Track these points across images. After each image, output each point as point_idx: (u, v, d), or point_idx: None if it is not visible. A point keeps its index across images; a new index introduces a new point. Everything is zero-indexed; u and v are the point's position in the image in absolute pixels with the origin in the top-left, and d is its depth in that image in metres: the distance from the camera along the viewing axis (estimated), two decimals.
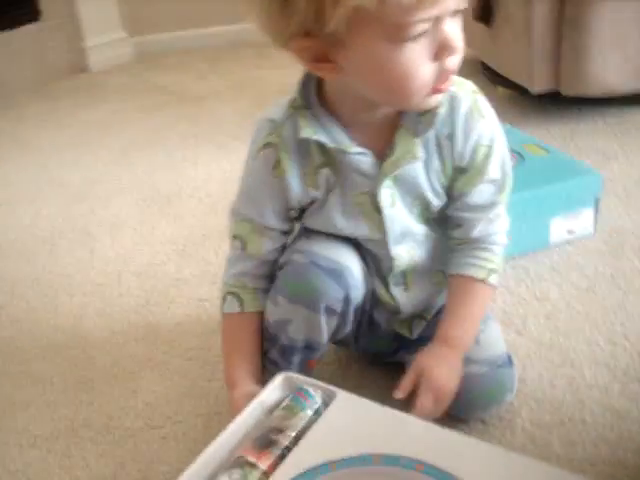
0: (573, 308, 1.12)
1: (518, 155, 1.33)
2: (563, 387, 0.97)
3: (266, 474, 0.76)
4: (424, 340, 0.91)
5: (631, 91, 1.71)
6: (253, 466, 0.76)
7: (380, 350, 1.01)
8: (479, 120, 0.84)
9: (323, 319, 0.87)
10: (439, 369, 0.85)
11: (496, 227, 0.91)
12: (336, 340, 0.98)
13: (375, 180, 0.84)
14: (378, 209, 0.86)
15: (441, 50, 0.72)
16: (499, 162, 0.87)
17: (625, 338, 1.05)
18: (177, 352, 1.13)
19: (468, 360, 0.88)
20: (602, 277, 1.19)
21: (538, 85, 1.73)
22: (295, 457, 0.77)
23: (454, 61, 0.74)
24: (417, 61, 0.72)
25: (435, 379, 0.84)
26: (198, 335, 1.16)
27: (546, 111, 1.84)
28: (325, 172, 0.85)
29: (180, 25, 2.86)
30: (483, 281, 0.89)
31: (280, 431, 0.80)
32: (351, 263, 0.87)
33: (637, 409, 0.93)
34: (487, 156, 0.86)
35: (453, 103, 0.83)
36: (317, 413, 0.83)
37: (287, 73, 2.46)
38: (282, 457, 0.77)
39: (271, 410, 0.85)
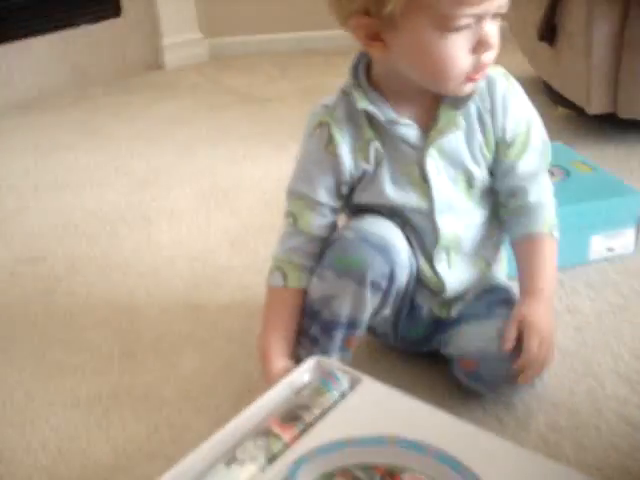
0: (603, 323, 1.14)
1: (565, 171, 1.36)
2: (582, 395, 1.00)
3: (287, 445, 0.81)
4: (460, 322, 0.98)
5: None
6: (277, 437, 0.82)
7: (417, 336, 1.04)
8: (515, 96, 0.94)
9: (369, 294, 0.92)
10: (538, 315, 0.92)
11: (547, 190, 0.99)
12: (374, 330, 1.04)
13: (421, 151, 0.93)
14: (425, 178, 0.94)
15: (479, 45, 0.84)
16: (539, 132, 0.98)
17: None
18: (219, 333, 1.20)
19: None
20: (636, 296, 1.20)
21: (595, 106, 1.74)
22: (315, 433, 0.83)
23: (490, 56, 0.86)
24: (457, 51, 0.83)
25: (537, 323, 0.91)
26: (240, 319, 1.22)
27: (602, 133, 1.85)
28: (375, 145, 0.93)
29: (254, 29, 2.94)
30: (550, 234, 0.97)
31: (306, 408, 0.86)
32: (398, 241, 0.93)
33: None
34: (528, 128, 0.96)
35: (490, 82, 0.93)
36: (343, 396, 0.88)
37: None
38: (304, 432, 0.83)
39: (299, 390, 0.90)
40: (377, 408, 0.86)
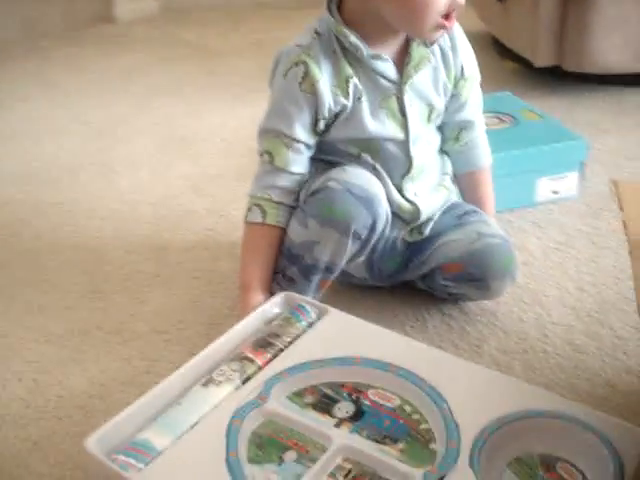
0: (549, 258, 1.22)
1: (513, 118, 1.42)
2: (530, 322, 1.08)
3: (260, 368, 0.86)
4: (436, 237, 1.06)
5: (630, 71, 1.79)
6: (251, 361, 0.87)
7: (394, 268, 1.09)
8: (464, 36, 1.05)
9: (350, 242, 0.97)
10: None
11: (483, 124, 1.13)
12: (349, 277, 1.10)
13: (399, 85, 0.99)
14: (402, 111, 1.00)
15: None
16: (478, 68, 1.09)
17: (593, 286, 1.15)
18: (184, 271, 1.24)
19: (484, 235, 1.03)
20: (580, 234, 1.28)
21: (541, 59, 1.81)
22: (285, 356, 0.88)
23: (461, 1, 0.93)
24: None
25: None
26: (204, 259, 1.27)
27: (548, 85, 1.92)
28: (353, 82, 0.98)
29: None
30: (489, 166, 1.14)
31: (277, 336, 0.91)
32: (379, 193, 0.98)
33: (594, 346, 1.03)
34: (474, 63, 1.07)
35: None
36: (310, 326, 0.94)
37: None
38: (275, 357, 0.88)
39: (270, 320, 0.96)
40: (342, 334, 0.92)
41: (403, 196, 1.04)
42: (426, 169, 1.06)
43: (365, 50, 0.96)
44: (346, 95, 0.98)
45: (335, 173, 0.98)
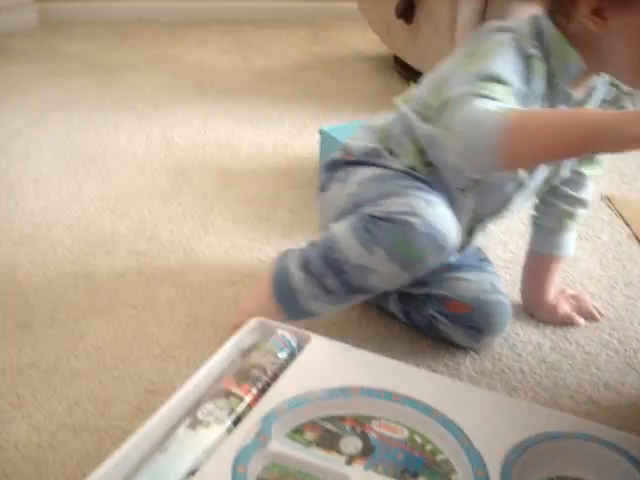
0: (502, 277, 1.20)
1: None
2: (500, 341, 1.05)
3: (249, 405, 0.78)
4: (457, 269, 1.03)
5: None
6: (238, 397, 0.78)
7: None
8: None
9: (409, 278, 0.92)
10: None
11: None
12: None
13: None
14: None
15: None
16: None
17: None
18: (121, 300, 1.11)
19: (497, 290, 1.02)
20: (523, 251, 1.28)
21: None
22: (275, 391, 0.80)
23: None
24: None
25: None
26: (142, 286, 1.15)
27: None
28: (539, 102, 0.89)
29: None
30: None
31: (260, 368, 0.82)
32: (456, 240, 0.90)
33: (567, 363, 1.02)
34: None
35: (619, 104, 0.98)
36: (292, 355, 0.86)
37: (201, 51, 2.50)
38: (263, 391, 0.80)
39: (245, 352, 0.87)
40: (331, 363, 0.85)
41: (471, 232, 1.01)
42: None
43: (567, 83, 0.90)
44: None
45: (419, 205, 0.88)
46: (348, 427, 0.77)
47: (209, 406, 0.77)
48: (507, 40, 0.86)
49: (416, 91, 1.01)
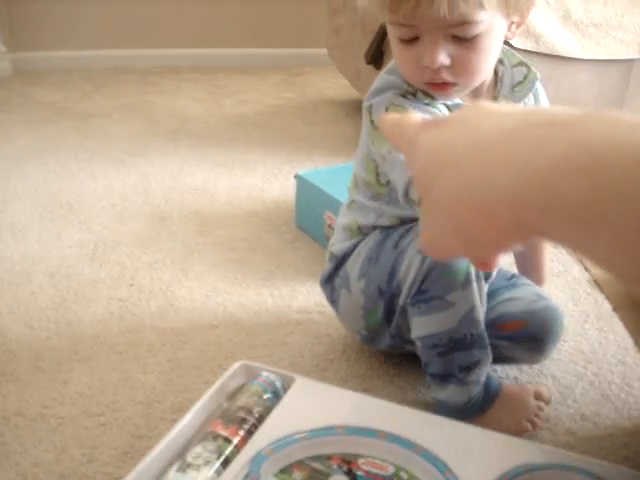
0: None
1: None
2: None
3: (237, 447, 0.79)
4: (492, 295, 1.03)
5: None
6: (226, 440, 0.79)
7: None
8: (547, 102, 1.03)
9: None
10: None
11: None
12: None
13: None
14: None
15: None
16: None
17: None
18: (104, 347, 1.12)
19: (542, 297, 1.04)
20: None
21: None
22: (262, 432, 0.81)
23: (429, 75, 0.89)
24: (404, 62, 0.89)
25: None
26: (124, 332, 1.16)
27: None
28: None
29: (61, 45, 2.81)
30: None
31: (247, 410, 0.84)
32: None
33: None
34: None
35: (531, 78, 0.98)
36: (277, 396, 0.87)
37: (174, 98, 2.54)
38: (250, 433, 0.81)
39: (231, 395, 0.88)
40: (316, 403, 0.86)
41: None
42: None
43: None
44: None
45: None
46: (335, 466, 0.78)
47: (198, 449, 0.78)
48: (395, 99, 0.90)
49: (354, 173, 1.06)
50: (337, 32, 2.39)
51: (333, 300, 1.07)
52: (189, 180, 1.79)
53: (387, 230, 1.00)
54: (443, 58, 0.85)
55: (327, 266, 1.07)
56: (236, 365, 0.91)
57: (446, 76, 0.87)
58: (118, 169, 1.84)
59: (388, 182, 0.97)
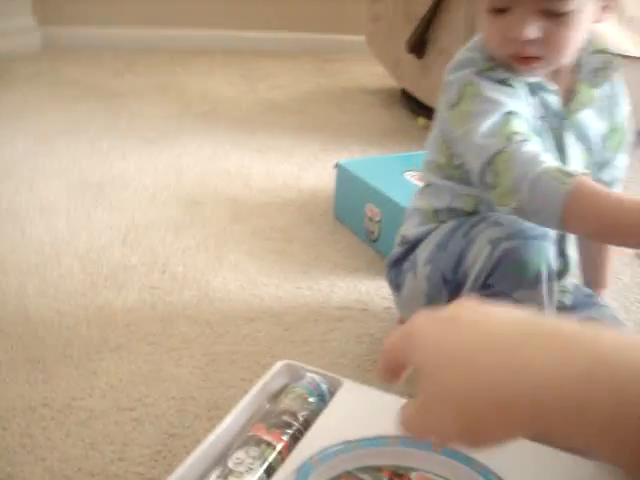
0: None
1: None
2: None
3: (281, 453, 0.73)
4: (576, 309, 1.01)
5: None
6: (269, 445, 0.74)
7: None
8: (624, 90, 0.97)
9: None
10: None
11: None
12: None
13: (560, 119, 0.92)
14: (561, 147, 0.92)
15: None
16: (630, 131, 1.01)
17: None
18: (136, 336, 1.07)
19: (619, 321, 1.00)
20: None
21: None
22: (309, 439, 0.75)
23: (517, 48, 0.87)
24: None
25: None
26: (156, 321, 1.11)
27: None
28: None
29: (93, 20, 2.75)
30: None
31: (292, 414, 0.78)
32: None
33: None
34: (628, 121, 0.99)
35: (612, 69, 0.95)
36: (323, 399, 0.82)
37: (206, 80, 2.48)
38: (295, 439, 0.76)
39: (274, 396, 0.83)
40: (367, 410, 0.81)
41: (562, 249, 0.97)
42: None
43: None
44: None
45: (500, 232, 0.88)
46: (386, 478, 0.73)
47: (240, 454, 0.73)
48: (471, 77, 0.89)
49: (426, 157, 1.02)
50: (376, 18, 2.32)
51: (397, 284, 1.02)
52: (223, 164, 1.74)
53: (461, 219, 0.95)
54: (532, 31, 0.83)
55: (396, 249, 1.03)
56: (279, 364, 0.86)
57: (533, 50, 0.85)
58: (150, 150, 1.79)
59: (461, 164, 0.93)
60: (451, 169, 0.96)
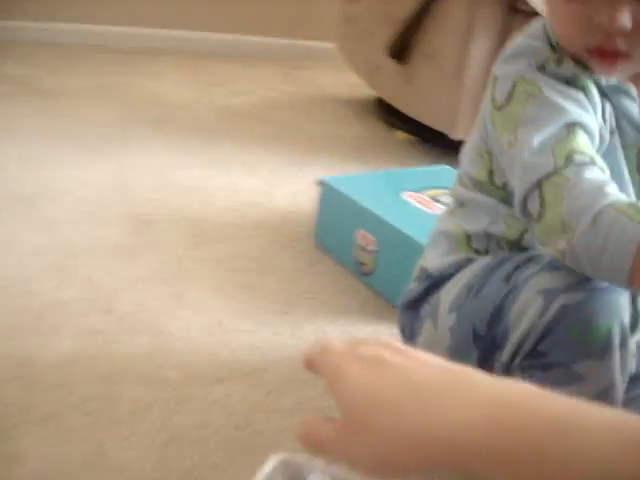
0: None
1: None
2: None
3: None
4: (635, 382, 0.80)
5: None
6: None
7: None
8: None
9: None
10: None
11: None
12: None
13: (638, 134, 0.74)
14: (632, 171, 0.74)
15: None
16: None
17: None
18: (71, 402, 0.82)
19: None
20: None
21: (462, 131, 1.61)
22: None
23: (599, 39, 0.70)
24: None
25: None
26: (97, 381, 0.86)
27: (440, 156, 1.71)
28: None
29: (30, 15, 2.49)
30: None
31: None
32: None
33: None
34: None
35: None
36: None
37: (155, 82, 2.23)
38: None
39: None
40: None
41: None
42: None
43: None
44: None
45: (551, 286, 0.68)
46: None
47: None
48: (529, 72, 0.72)
49: (460, 169, 0.83)
50: (351, 21, 2.12)
51: (412, 332, 0.80)
52: (177, 177, 1.49)
53: (500, 255, 0.74)
54: (626, 19, 0.66)
55: (413, 286, 0.81)
56: (271, 462, 0.62)
57: (620, 44, 0.68)
58: (90, 158, 1.53)
59: (504, 185, 0.73)
60: (492, 187, 0.76)
